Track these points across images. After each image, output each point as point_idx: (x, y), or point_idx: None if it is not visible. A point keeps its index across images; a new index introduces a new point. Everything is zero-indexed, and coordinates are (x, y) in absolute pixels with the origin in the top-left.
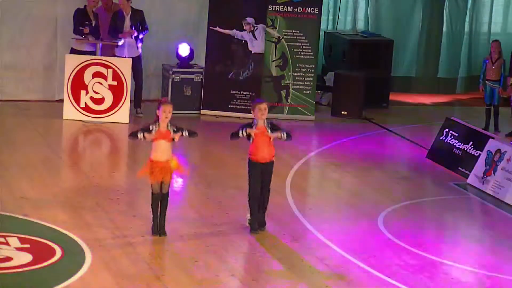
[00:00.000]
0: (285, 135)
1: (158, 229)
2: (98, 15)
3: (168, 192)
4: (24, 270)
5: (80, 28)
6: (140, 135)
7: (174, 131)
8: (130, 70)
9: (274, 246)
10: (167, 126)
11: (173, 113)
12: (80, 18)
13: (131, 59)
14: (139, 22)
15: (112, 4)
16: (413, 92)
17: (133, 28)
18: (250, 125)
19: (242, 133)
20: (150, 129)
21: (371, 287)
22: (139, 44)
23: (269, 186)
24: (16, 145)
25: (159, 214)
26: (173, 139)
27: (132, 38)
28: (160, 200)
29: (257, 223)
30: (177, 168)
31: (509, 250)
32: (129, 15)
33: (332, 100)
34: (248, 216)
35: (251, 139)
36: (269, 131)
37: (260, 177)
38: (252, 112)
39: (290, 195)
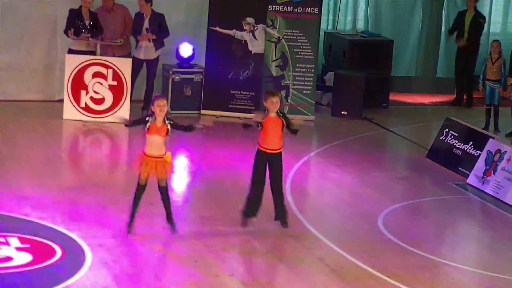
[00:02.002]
0: (291, 130)
1: (131, 225)
2: (97, 15)
3: (166, 186)
4: (24, 270)
5: (71, 31)
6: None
7: (171, 124)
8: (130, 70)
9: (274, 246)
10: (164, 120)
11: (173, 113)
12: (73, 18)
13: (131, 59)
14: (158, 26)
15: (114, 5)
16: (413, 92)
17: (145, 30)
18: (263, 115)
19: (255, 123)
20: (147, 120)
21: (371, 287)
22: (159, 48)
23: (281, 180)
24: (16, 145)
25: (166, 209)
26: (167, 133)
27: (149, 41)
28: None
29: (252, 213)
30: (167, 166)
31: (509, 250)
32: (148, 18)
33: (332, 100)
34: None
35: (260, 126)
36: (284, 122)
37: (266, 167)
38: (264, 102)
39: (290, 195)
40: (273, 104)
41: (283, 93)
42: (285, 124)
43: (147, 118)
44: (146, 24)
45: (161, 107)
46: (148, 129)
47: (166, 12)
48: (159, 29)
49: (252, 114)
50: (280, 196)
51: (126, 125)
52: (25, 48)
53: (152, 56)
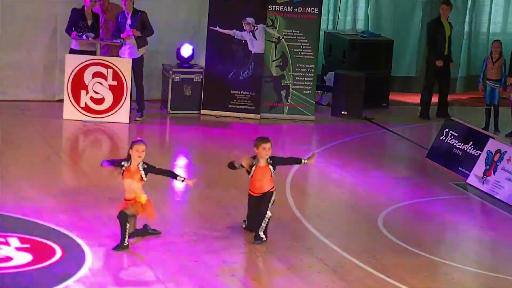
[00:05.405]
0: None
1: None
2: (99, 16)
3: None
4: (24, 270)
5: (76, 32)
6: (109, 166)
7: (144, 168)
8: (130, 70)
9: (274, 246)
10: (138, 165)
11: (173, 113)
12: (76, 18)
13: (131, 59)
14: (141, 24)
15: (109, 5)
16: (413, 92)
17: (128, 28)
18: (251, 163)
19: (240, 165)
20: (122, 164)
21: (371, 287)
22: (142, 47)
23: (262, 218)
24: (16, 145)
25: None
26: (142, 178)
27: (132, 38)
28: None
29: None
30: (145, 207)
31: (509, 250)
32: (129, 15)
33: (332, 100)
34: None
35: (251, 175)
36: (272, 170)
37: (256, 205)
38: (255, 148)
39: (290, 195)
40: (264, 150)
41: (283, 93)
42: (272, 173)
43: (122, 163)
44: (128, 21)
45: (139, 153)
46: (122, 173)
47: (166, 12)
48: (142, 27)
49: (243, 158)
50: (255, 228)
51: (105, 163)
52: (25, 48)
53: (137, 55)
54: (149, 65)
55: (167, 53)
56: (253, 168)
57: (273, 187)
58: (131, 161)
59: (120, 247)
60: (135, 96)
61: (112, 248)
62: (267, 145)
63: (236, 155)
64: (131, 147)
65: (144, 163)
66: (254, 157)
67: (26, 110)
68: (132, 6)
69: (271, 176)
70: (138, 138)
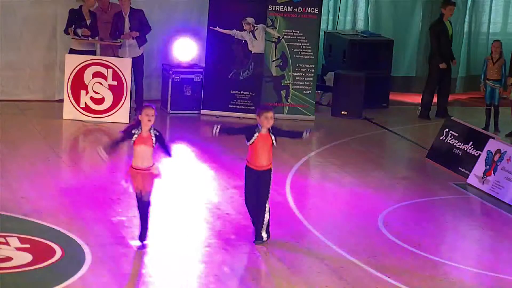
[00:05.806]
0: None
1: (140, 235)
2: (96, 15)
3: (148, 201)
4: (24, 270)
5: (71, 29)
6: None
7: (156, 135)
8: (130, 70)
9: (274, 246)
10: (149, 130)
11: (173, 113)
12: (73, 18)
13: (131, 59)
14: (139, 22)
15: (109, 4)
16: (413, 92)
17: (128, 29)
18: (253, 130)
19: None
20: (133, 132)
21: (371, 287)
22: (142, 45)
23: (266, 198)
24: (16, 145)
25: (141, 226)
26: (153, 145)
27: (133, 39)
28: (141, 207)
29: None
30: (156, 174)
31: (509, 250)
32: (127, 15)
33: (332, 100)
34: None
35: (250, 142)
36: (274, 139)
37: (255, 185)
38: (257, 118)
39: (290, 195)
40: (267, 119)
41: (283, 93)
42: (274, 141)
43: (133, 131)
44: (127, 22)
45: (149, 117)
46: (134, 140)
47: (166, 11)
48: (140, 25)
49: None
50: (259, 215)
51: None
52: (25, 48)
53: (138, 54)
54: (149, 65)
55: (167, 53)
56: (255, 135)
57: (271, 163)
58: (141, 127)
59: (143, 236)
60: (134, 95)
61: (139, 238)
62: (269, 114)
63: (236, 155)
64: (140, 112)
65: (155, 129)
66: (256, 127)
67: (26, 110)
68: (129, 5)
69: (271, 147)
70: (147, 103)
